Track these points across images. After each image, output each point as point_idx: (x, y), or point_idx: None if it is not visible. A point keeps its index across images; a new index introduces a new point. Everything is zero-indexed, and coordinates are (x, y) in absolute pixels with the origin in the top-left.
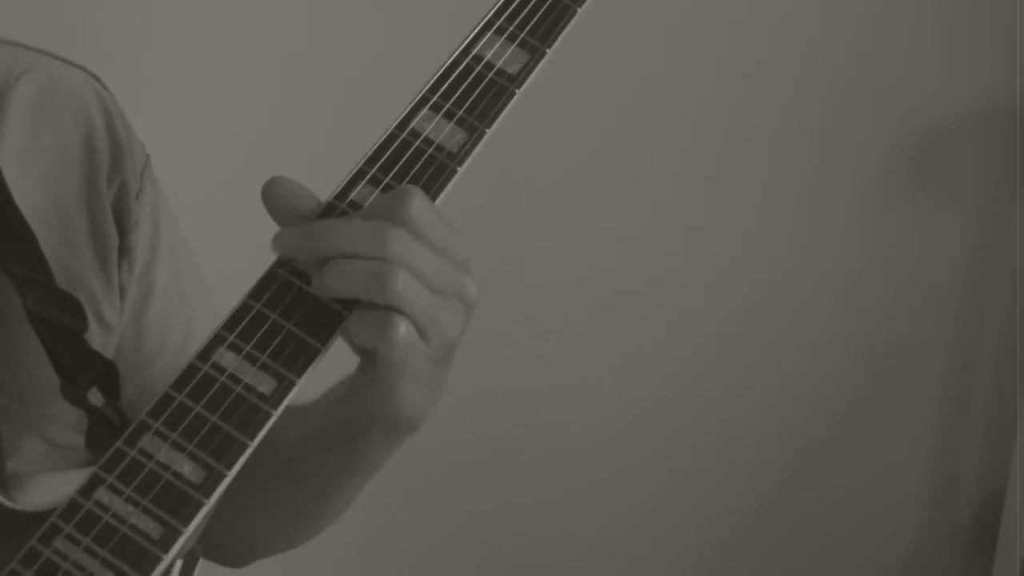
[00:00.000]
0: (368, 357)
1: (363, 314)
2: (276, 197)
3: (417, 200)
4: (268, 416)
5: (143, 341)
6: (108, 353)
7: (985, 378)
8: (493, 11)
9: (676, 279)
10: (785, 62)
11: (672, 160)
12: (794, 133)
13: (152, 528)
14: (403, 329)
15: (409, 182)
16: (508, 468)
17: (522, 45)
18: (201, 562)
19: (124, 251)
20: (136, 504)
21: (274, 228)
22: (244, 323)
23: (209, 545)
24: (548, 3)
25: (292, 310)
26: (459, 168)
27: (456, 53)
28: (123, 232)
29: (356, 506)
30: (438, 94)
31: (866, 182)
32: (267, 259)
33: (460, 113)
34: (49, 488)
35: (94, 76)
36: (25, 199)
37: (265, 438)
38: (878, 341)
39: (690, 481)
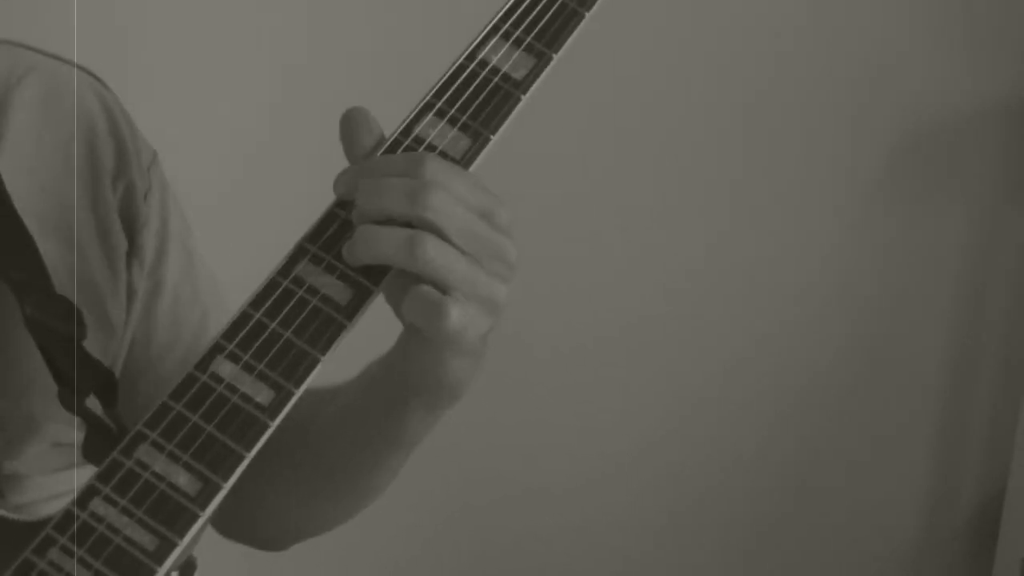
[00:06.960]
0: (414, 331)
1: (415, 295)
2: (345, 125)
3: (433, 161)
4: (266, 427)
5: (154, 337)
6: (115, 354)
7: (985, 378)
8: (499, 16)
9: (675, 279)
10: (785, 62)
11: (672, 161)
12: (794, 133)
13: (147, 540)
14: (455, 315)
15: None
16: (509, 469)
17: (528, 50)
18: (198, 573)
19: (134, 251)
20: (131, 515)
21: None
22: (243, 332)
23: (242, 528)
24: (554, 8)
25: (292, 319)
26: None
27: (462, 59)
28: (132, 233)
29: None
30: (443, 99)
31: (866, 182)
32: (267, 262)
33: (464, 119)
34: (45, 488)
35: (96, 77)
36: (28, 201)
37: (300, 419)
38: (878, 342)
39: (689, 481)
